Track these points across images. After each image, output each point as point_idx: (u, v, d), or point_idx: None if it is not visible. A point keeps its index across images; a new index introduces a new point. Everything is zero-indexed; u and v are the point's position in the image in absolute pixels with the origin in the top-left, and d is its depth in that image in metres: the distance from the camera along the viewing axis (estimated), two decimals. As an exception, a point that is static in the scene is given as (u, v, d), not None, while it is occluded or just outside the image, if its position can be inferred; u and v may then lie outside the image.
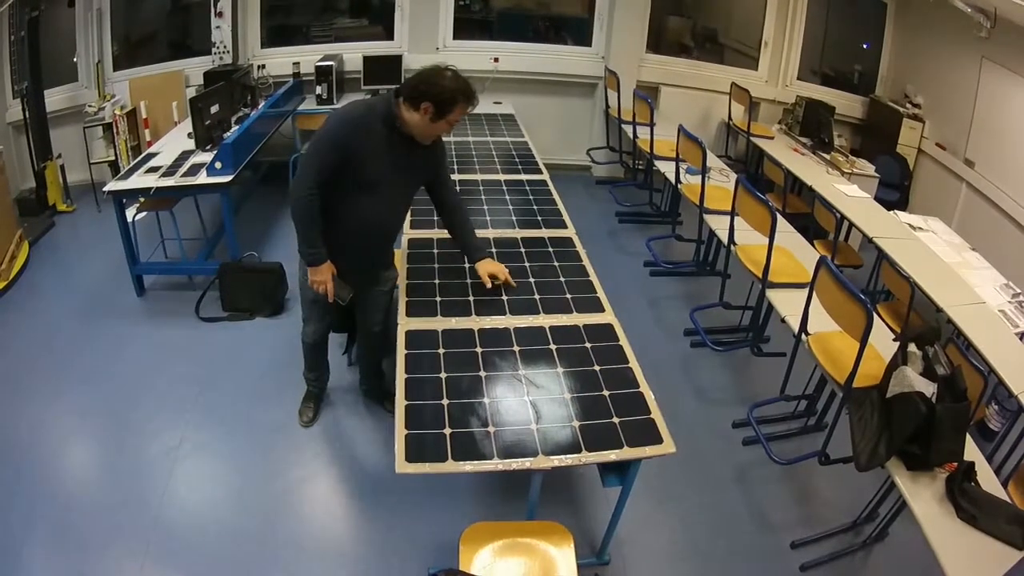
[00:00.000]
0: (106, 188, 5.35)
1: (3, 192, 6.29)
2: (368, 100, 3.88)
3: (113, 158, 7.23)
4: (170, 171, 5.53)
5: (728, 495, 4.25)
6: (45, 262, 6.30)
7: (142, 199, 5.64)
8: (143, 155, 6.01)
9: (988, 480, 3.16)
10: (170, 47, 8.33)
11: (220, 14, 7.56)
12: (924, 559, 2.84)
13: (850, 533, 3.99)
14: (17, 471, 4.04)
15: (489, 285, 3.89)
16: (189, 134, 6.10)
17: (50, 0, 6.88)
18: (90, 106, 7.34)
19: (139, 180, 5.40)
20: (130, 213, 5.60)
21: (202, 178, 5.45)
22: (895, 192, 7.89)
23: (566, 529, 2.89)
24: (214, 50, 7.67)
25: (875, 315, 3.45)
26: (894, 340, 3.68)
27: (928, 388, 3.11)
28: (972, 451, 3.28)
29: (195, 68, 7.69)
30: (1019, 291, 5.01)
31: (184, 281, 5.95)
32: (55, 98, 7.30)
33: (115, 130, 7.12)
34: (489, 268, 3.92)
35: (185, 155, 5.84)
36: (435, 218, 4.64)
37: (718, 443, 4.63)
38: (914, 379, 3.17)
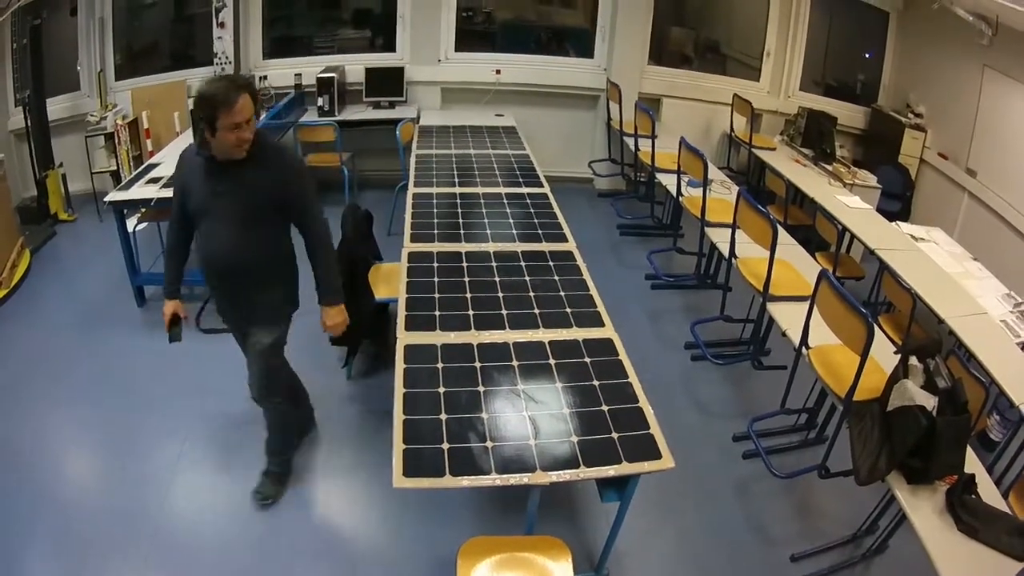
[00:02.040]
0: (107, 198, 5.37)
1: (5, 200, 6.32)
2: None
3: (115, 168, 7.25)
4: (171, 182, 5.51)
5: (728, 508, 4.23)
6: (46, 271, 6.31)
7: (143, 209, 5.64)
8: (144, 165, 6.03)
9: (989, 491, 3.16)
10: (172, 57, 8.35)
11: (222, 24, 7.58)
12: (924, 572, 2.82)
13: (850, 546, 3.97)
14: (18, 479, 4.05)
15: (324, 331, 3.77)
16: (190, 144, 6.07)
17: (53, 8, 6.90)
18: (92, 115, 7.35)
19: (141, 191, 5.42)
20: (131, 223, 5.61)
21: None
22: (897, 202, 7.88)
23: (564, 544, 2.89)
24: (216, 60, 7.68)
25: (876, 328, 3.44)
26: (895, 353, 3.67)
27: (929, 401, 3.10)
28: (973, 462, 3.27)
29: (197, 79, 7.65)
30: (1021, 301, 5.01)
31: (184, 292, 5.92)
32: (57, 107, 7.34)
33: (117, 140, 7.14)
34: (327, 318, 3.69)
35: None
36: (435, 231, 4.66)
37: (718, 456, 4.62)
38: (915, 392, 3.16)
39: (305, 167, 3.67)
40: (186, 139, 6.32)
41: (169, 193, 5.28)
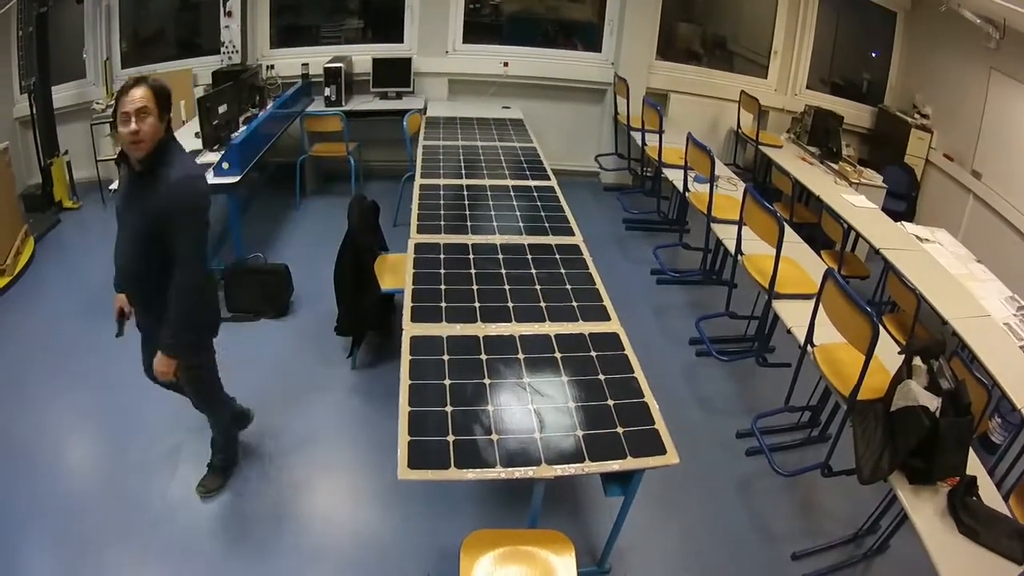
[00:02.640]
0: (113, 186, 5.35)
1: (9, 187, 6.31)
2: None
3: (120, 156, 7.23)
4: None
5: (730, 505, 4.24)
6: (50, 259, 6.32)
7: (148, 198, 5.63)
8: (150, 153, 6.00)
9: (989, 494, 3.17)
10: (178, 45, 8.36)
11: (229, 13, 7.57)
12: (925, 573, 2.83)
13: (851, 545, 3.98)
14: (18, 468, 4.05)
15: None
16: (196, 134, 6.08)
17: (59, -5, 6.91)
18: (98, 103, 7.34)
19: (146, 179, 5.40)
20: (136, 211, 5.59)
21: (209, 178, 5.42)
22: (902, 202, 7.88)
23: (567, 537, 2.89)
24: (223, 49, 7.69)
25: (880, 328, 3.45)
26: (899, 353, 3.67)
27: (932, 402, 3.10)
28: (974, 464, 3.28)
29: (203, 67, 7.71)
30: None
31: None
32: (63, 94, 7.33)
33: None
34: (155, 362, 3.45)
35: (192, 154, 5.81)
36: (442, 223, 4.65)
37: (721, 453, 4.62)
38: (918, 393, 3.16)
39: (200, 207, 3.30)
40: (192, 127, 6.33)
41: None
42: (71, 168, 7.32)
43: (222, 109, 6.08)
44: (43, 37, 6.72)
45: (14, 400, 4.60)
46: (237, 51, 7.70)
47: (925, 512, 3.02)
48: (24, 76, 6.85)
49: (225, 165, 5.48)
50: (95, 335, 5.17)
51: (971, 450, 3.24)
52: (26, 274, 6.00)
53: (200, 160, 5.70)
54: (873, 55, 9.05)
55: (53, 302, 5.68)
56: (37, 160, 7.05)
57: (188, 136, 6.24)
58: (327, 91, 7.70)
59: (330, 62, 7.71)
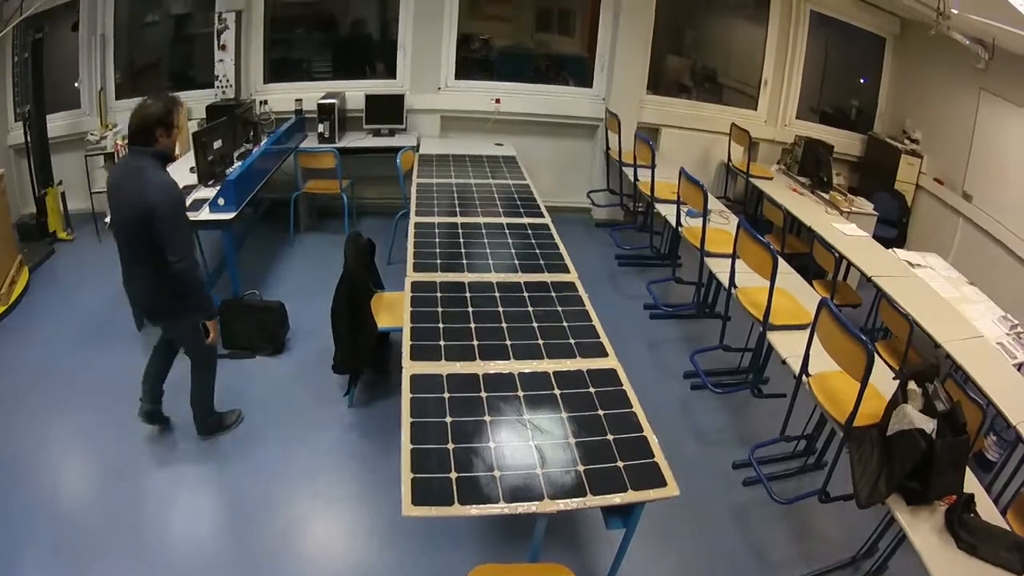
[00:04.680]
0: (108, 219, 5.36)
1: (4, 216, 6.31)
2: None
3: (115, 189, 7.24)
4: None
5: (728, 535, 4.26)
6: (45, 289, 6.33)
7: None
8: (145, 188, 6.02)
9: (987, 510, 3.21)
10: (173, 78, 8.39)
11: (224, 47, 7.62)
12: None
13: (849, 568, 4.01)
14: (15, 494, 4.05)
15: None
16: (191, 168, 6.12)
17: (55, 22, 6.92)
18: (92, 134, 7.36)
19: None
20: (132, 246, 5.60)
21: (205, 214, 5.48)
22: (893, 229, 7.95)
23: (570, 571, 2.92)
24: (217, 83, 7.73)
25: (875, 354, 3.49)
26: (894, 379, 3.71)
27: (928, 424, 3.14)
28: (971, 482, 3.32)
29: (198, 101, 7.73)
30: (1017, 323, 5.07)
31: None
32: (57, 124, 7.35)
33: (117, 160, 7.14)
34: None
35: (187, 189, 5.84)
36: (438, 261, 4.69)
37: (719, 484, 4.64)
38: (914, 416, 3.20)
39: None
40: (186, 161, 6.35)
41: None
42: (65, 199, 7.31)
43: (217, 144, 6.11)
44: (38, 64, 6.73)
45: (9, 427, 4.61)
46: (231, 85, 7.74)
47: (923, 531, 3.06)
48: (19, 103, 6.86)
49: (221, 201, 5.49)
50: (90, 368, 5.23)
51: (968, 469, 3.28)
52: (21, 303, 6.01)
53: (195, 196, 5.75)
54: (862, 81, 9.16)
55: (48, 333, 5.67)
56: (31, 189, 7.05)
57: (183, 171, 6.27)
58: (320, 127, 7.72)
59: (324, 98, 7.75)
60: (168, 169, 3.90)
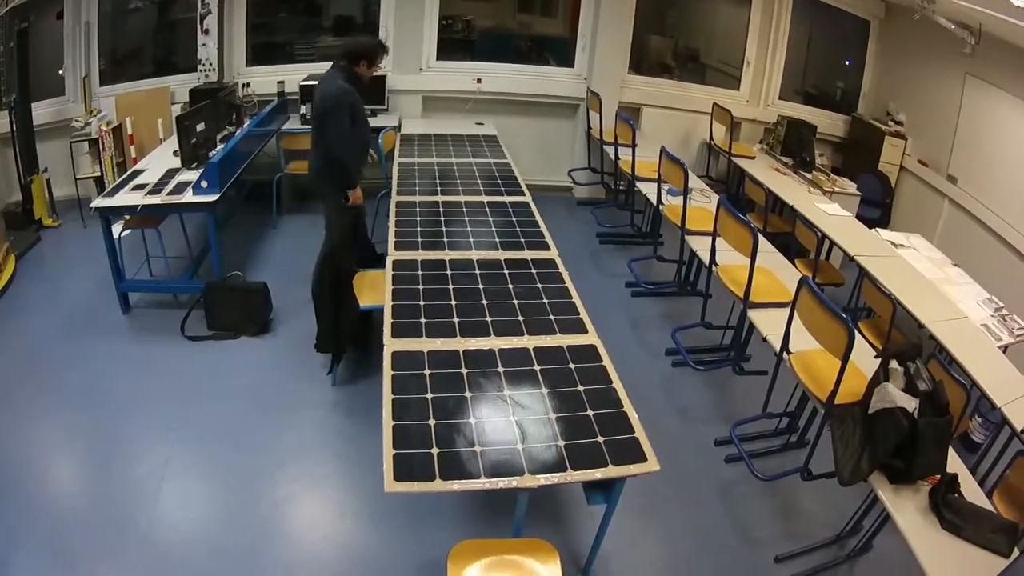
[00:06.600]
0: (93, 204, 5.34)
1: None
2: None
3: (99, 174, 7.22)
4: (156, 189, 5.55)
5: (712, 511, 4.28)
6: (31, 277, 6.29)
7: (128, 216, 5.66)
8: (129, 172, 6.01)
9: (973, 492, 3.22)
10: (156, 63, 8.31)
11: (206, 31, 7.58)
12: (909, 570, 2.89)
13: (834, 546, 4.03)
14: (3, 487, 4.02)
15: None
16: (175, 152, 6.11)
17: (39, 12, 6.88)
18: (77, 121, 7.31)
19: (126, 197, 5.41)
20: (116, 230, 5.59)
21: (188, 197, 5.46)
22: (876, 210, 7.96)
23: (552, 546, 2.92)
24: (200, 67, 7.68)
25: (856, 333, 3.50)
26: (875, 357, 3.73)
27: (910, 403, 3.16)
28: (956, 464, 3.34)
29: (181, 85, 7.70)
30: (1001, 305, 5.08)
31: (169, 299, 5.93)
32: (42, 111, 7.29)
33: (101, 146, 7.13)
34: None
35: (171, 173, 5.86)
36: (419, 240, 4.69)
37: (701, 461, 4.67)
38: (896, 395, 3.22)
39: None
40: (170, 145, 6.33)
41: (153, 200, 5.34)
42: (51, 185, 7.27)
43: (200, 127, 6.08)
44: (23, 53, 6.69)
45: (-1, 416, 4.60)
46: (214, 69, 7.70)
47: (907, 511, 3.08)
48: (4, 92, 6.82)
49: (204, 183, 5.47)
50: (77, 353, 5.21)
51: (953, 450, 3.31)
52: (7, 292, 5.97)
53: (179, 179, 5.74)
54: (847, 63, 9.13)
55: (35, 320, 5.64)
56: (17, 177, 7.00)
57: (166, 154, 6.28)
58: (303, 109, 7.69)
59: (305, 80, 7.70)
60: (352, 88, 5.22)
